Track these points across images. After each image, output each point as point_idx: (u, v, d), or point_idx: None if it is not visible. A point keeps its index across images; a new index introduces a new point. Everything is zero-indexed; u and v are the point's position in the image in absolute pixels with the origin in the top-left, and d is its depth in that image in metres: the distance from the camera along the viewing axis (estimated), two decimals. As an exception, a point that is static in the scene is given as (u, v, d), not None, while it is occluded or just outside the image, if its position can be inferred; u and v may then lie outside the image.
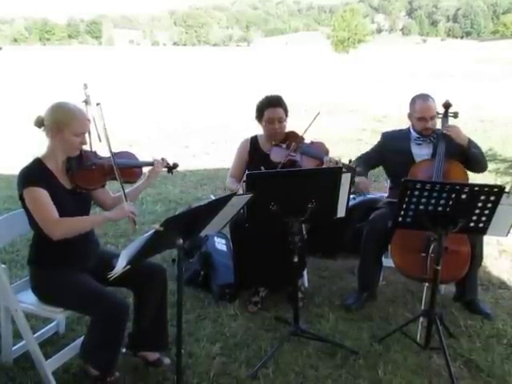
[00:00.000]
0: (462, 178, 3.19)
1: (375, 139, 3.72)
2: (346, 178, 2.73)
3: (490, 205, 2.47)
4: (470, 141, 3.26)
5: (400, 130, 3.60)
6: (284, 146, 3.38)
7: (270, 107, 3.39)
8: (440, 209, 2.51)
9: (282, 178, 2.71)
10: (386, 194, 3.69)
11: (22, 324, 2.48)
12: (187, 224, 2.17)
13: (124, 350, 2.66)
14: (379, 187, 5.20)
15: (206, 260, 3.64)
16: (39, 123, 2.45)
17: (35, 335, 2.65)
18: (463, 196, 2.45)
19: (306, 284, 3.62)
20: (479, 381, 2.66)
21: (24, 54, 56.28)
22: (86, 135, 2.57)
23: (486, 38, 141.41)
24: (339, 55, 60.98)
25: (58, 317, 2.60)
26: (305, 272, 3.61)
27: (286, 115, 3.45)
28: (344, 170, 2.78)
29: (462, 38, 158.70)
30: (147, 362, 2.71)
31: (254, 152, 3.51)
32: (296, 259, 2.74)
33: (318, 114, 3.16)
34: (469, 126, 9.41)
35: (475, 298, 3.32)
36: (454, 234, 2.62)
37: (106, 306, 2.37)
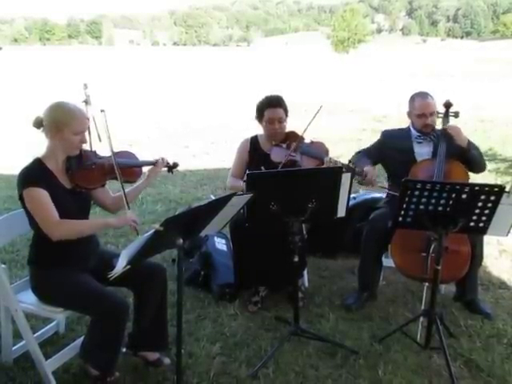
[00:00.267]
0: (462, 177, 3.19)
1: (375, 139, 3.72)
2: (346, 178, 2.72)
3: (490, 204, 2.47)
4: (469, 142, 3.26)
5: (400, 129, 3.60)
6: (284, 145, 3.38)
7: (270, 107, 3.39)
8: (440, 208, 2.51)
9: (282, 178, 2.71)
10: (386, 194, 3.69)
11: (22, 324, 2.48)
12: (187, 224, 2.16)
13: (124, 350, 2.65)
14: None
15: (206, 260, 3.64)
16: (38, 124, 2.45)
17: (35, 335, 2.65)
18: (463, 196, 2.45)
19: (306, 284, 3.62)
20: (479, 381, 2.65)
21: (24, 53, 56.29)
22: (86, 135, 2.57)
23: (486, 37, 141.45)
24: (339, 55, 60.97)
25: (58, 317, 2.60)
26: (305, 272, 3.60)
27: (286, 115, 3.45)
28: (344, 169, 2.78)
29: (462, 37, 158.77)
30: (147, 362, 2.71)
31: (254, 152, 3.51)
32: (296, 259, 2.74)
33: (321, 107, 3.14)
34: (469, 126, 9.40)
35: (475, 298, 3.32)
36: (454, 234, 2.62)
37: (106, 306, 2.37)
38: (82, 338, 2.60)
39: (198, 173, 6.92)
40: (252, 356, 2.82)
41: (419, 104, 3.35)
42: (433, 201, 2.50)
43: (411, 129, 3.47)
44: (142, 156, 2.89)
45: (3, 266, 2.50)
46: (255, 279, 3.39)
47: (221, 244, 3.87)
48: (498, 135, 9.61)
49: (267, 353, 2.82)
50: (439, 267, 2.60)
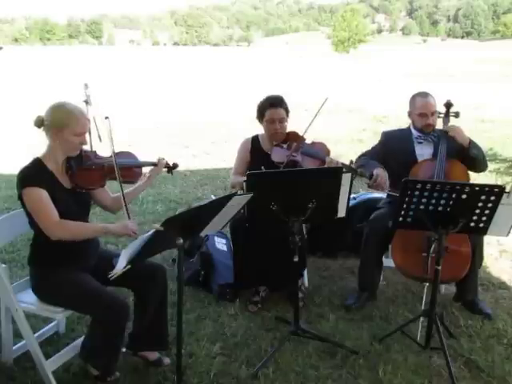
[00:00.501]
0: (463, 177, 3.19)
1: (375, 139, 3.72)
2: (346, 178, 2.72)
3: (490, 205, 2.47)
4: (470, 141, 3.26)
5: (400, 130, 3.60)
6: (285, 146, 3.38)
7: (271, 108, 3.39)
8: (440, 209, 2.51)
9: (282, 178, 2.71)
10: (386, 194, 3.68)
11: (22, 324, 2.48)
12: (187, 224, 2.16)
13: (124, 350, 2.66)
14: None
15: (207, 260, 3.64)
16: (39, 123, 2.45)
17: (35, 335, 2.65)
18: (464, 196, 2.45)
19: (307, 284, 3.62)
20: (479, 381, 2.65)
21: (25, 53, 56.29)
22: (87, 135, 2.57)
23: (486, 38, 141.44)
24: (339, 55, 60.97)
25: (58, 316, 2.60)
26: (305, 272, 3.61)
27: (287, 115, 3.44)
28: (344, 170, 2.78)
29: (462, 38, 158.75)
30: (147, 362, 2.71)
31: (255, 152, 3.51)
32: (296, 259, 2.74)
33: (326, 99, 3.13)
34: (469, 126, 9.37)
35: (475, 298, 3.32)
36: (454, 234, 2.62)
37: (106, 306, 2.38)
38: (82, 338, 2.61)
39: (198, 173, 6.92)
40: (252, 356, 2.82)
41: (420, 103, 3.34)
42: (433, 201, 2.50)
43: (412, 129, 3.47)
44: (142, 156, 2.89)
45: (3, 265, 2.50)
46: (255, 279, 3.39)
47: (221, 244, 3.87)
48: (498, 135, 9.61)
49: (267, 353, 2.82)
50: (439, 267, 2.60)
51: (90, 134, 5.23)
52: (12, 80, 21.20)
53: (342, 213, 2.82)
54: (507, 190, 2.44)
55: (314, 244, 3.83)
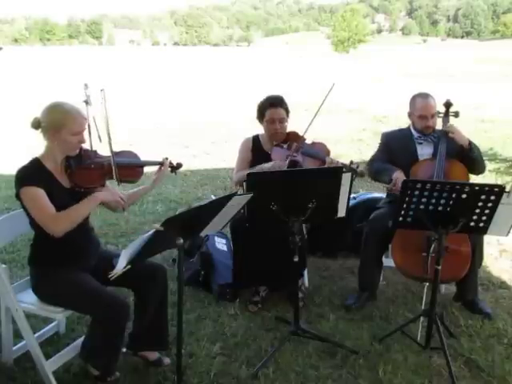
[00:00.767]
0: (463, 177, 3.19)
1: (375, 139, 3.73)
2: (346, 178, 2.73)
3: (490, 204, 2.47)
4: (470, 142, 3.26)
5: (400, 130, 3.59)
6: (285, 146, 3.38)
7: (271, 108, 3.39)
8: (440, 208, 2.52)
9: (282, 178, 2.71)
10: (386, 194, 3.68)
11: (22, 324, 2.49)
12: (187, 224, 2.17)
13: (124, 350, 2.66)
14: (379, 187, 5.19)
15: (207, 260, 3.64)
16: (36, 125, 2.44)
17: (36, 335, 2.65)
18: (464, 196, 2.45)
19: (307, 284, 3.62)
20: (480, 380, 2.66)
21: (24, 54, 56.28)
22: (87, 135, 2.57)
23: (486, 37, 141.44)
24: (339, 55, 60.96)
25: (59, 317, 2.60)
26: (305, 272, 3.61)
27: (287, 115, 3.44)
28: (344, 170, 2.79)
29: (462, 37, 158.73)
30: (147, 362, 2.71)
31: (256, 151, 3.51)
32: (296, 259, 2.74)
33: (333, 85, 3.11)
34: (469, 126, 9.40)
35: (475, 298, 3.32)
36: (454, 234, 2.62)
37: (106, 306, 2.38)
38: (82, 338, 2.60)
39: (199, 173, 6.92)
40: (252, 356, 2.82)
41: (420, 105, 3.34)
42: (433, 201, 2.50)
43: (412, 129, 3.47)
44: (143, 156, 2.87)
45: (4, 265, 2.50)
46: (255, 279, 3.39)
47: (221, 244, 3.88)
48: (498, 135, 9.60)
49: (267, 353, 2.82)
50: (439, 267, 2.60)
51: (89, 134, 5.22)
52: (12, 80, 21.19)
53: (341, 213, 2.83)
54: (507, 190, 2.44)
55: (313, 244, 3.83)
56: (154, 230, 1.99)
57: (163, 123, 11.05)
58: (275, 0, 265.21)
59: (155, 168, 2.84)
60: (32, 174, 2.40)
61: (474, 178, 3.39)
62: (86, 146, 2.60)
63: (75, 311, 2.62)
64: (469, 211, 2.51)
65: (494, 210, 2.48)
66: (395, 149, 3.44)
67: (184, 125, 10.86)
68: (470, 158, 3.24)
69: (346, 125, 10.91)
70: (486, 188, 2.44)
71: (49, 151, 2.48)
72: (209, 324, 3.14)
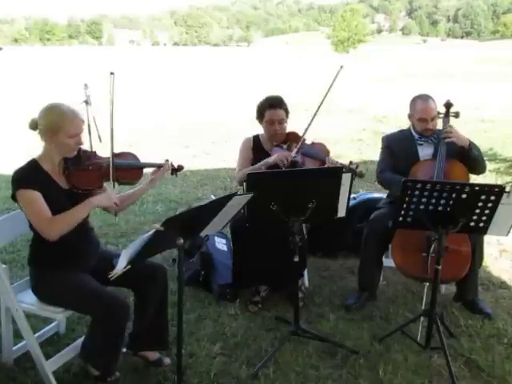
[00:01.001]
0: (463, 177, 3.19)
1: (375, 139, 3.74)
2: (346, 178, 2.73)
3: (490, 204, 2.47)
4: (470, 142, 3.26)
5: (401, 131, 3.59)
6: (285, 146, 3.38)
7: (271, 108, 3.39)
8: (440, 208, 2.52)
9: (282, 178, 2.71)
10: (386, 194, 3.68)
11: (22, 324, 2.49)
12: (188, 224, 2.17)
13: (124, 350, 2.66)
14: (379, 187, 5.19)
15: (207, 260, 3.64)
16: (33, 126, 2.44)
17: (36, 335, 2.65)
18: (464, 196, 2.45)
19: (307, 284, 3.62)
20: (480, 380, 2.66)
21: (24, 54, 56.27)
22: (87, 135, 2.56)
23: (486, 38, 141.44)
24: (339, 55, 60.95)
25: (59, 317, 2.60)
26: (305, 272, 3.61)
27: (287, 116, 3.44)
28: (344, 170, 2.79)
29: (462, 38, 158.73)
30: (148, 362, 2.71)
31: (256, 150, 3.51)
32: (296, 259, 2.74)
33: (342, 67, 3.08)
34: (469, 126, 9.41)
35: (475, 298, 3.32)
36: (454, 234, 2.62)
37: (106, 306, 2.37)
38: (82, 338, 2.61)
39: (199, 173, 6.92)
40: (252, 356, 2.82)
41: (420, 108, 3.33)
42: (433, 201, 2.50)
43: (412, 131, 3.46)
44: (142, 156, 2.87)
45: (4, 266, 2.50)
46: (255, 279, 3.39)
47: (221, 244, 3.88)
48: (498, 135, 9.60)
49: (267, 353, 2.82)
50: (439, 267, 2.60)
51: (89, 134, 5.25)
52: (12, 81, 21.19)
53: (341, 213, 2.83)
54: (507, 190, 2.44)
55: (314, 244, 3.83)
56: (154, 229, 1.99)
57: (163, 123, 11.05)
58: (275, 0, 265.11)
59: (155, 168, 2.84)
60: (28, 175, 2.39)
61: (475, 178, 3.39)
62: (86, 146, 2.60)
63: (75, 311, 2.62)
64: (469, 211, 2.51)
65: (494, 210, 2.48)
66: (396, 151, 3.44)
67: (184, 125, 10.86)
68: (471, 158, 3.24)
69: (346, 125, 10.90)
70: (486, 188, 2.44)
71: (46, 152, 2.48)
72: (209, 324, 3.14)
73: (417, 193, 2.50)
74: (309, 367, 2.74)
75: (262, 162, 3.31)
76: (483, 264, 3.51)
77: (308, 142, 3.47)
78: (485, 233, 2.62)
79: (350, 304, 3.34)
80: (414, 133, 3.44)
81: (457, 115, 3.39)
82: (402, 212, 2.58)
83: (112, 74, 2.52)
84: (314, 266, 3.93)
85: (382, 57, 51.43)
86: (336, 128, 10.19)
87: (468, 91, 16.88)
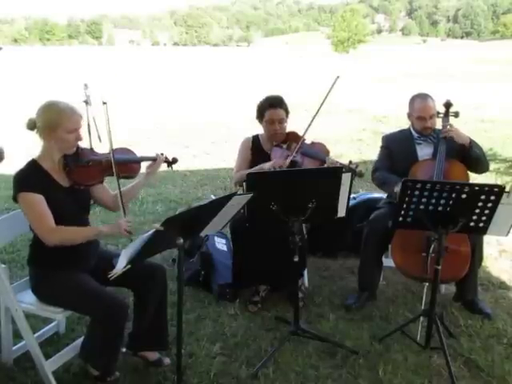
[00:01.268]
0: (462, 177, 3.19)
1: (375, 139, 3.74)
2: (346, 178, 2.73)
3: (490, 204, 2.47)
4: (471, 140, 3.26)
5: (401, 131, 3.60)
6: (284, 146, 3.38)
7: (271, 108, 3.39)
8: (440, 208, 2.52)
9: (282, 178, 2.71)
10: (386, 195, 3.68)
11: (22, 324, 2.49)
12: (187, 224, 2.17)
13: (124, 350, 2.66)
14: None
15: (206, 260, 3.64)
16: (31, 125, 2.44)
17: (35, 335, 2.65)
18: (463, 196, 2.45)
19: (307, 284, 3.62)
20: (479, 380, 2.66)
21: (24, 54, 56.26)
22: (87, 135, 2.57)
23: (486, 38, 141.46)
24: (339, 55, 60.96)
25: (58, 317, 2.60)
26: (305, 272, 3.61)
27: (287, 116, 3.44)
28: (344, 170, 2.79)
29: (462, 38, 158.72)
30: (147, 362, 2.71)
31: (255, 151, 3.51)
32: (296, 259, 2.74)
33: (338, 78, 3.09)
34: (469, 126, 9.41)
35: (475, 298, 3.32)
36: (454, 234, 2.62)
37: (105, 306, 2.38)
38: (82, 338, 2.60)
39: (199, 173, 6.92)
40: (252, 356, 2.82)
41: (419, 106, 3.34)
42: (433, 201, 2.50)
43: (412, 130, 3.47)
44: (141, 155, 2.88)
45: (3, 266, 2.50)
46: (255, 279, 3.39)
47: (221, 244, 3.88)
48: (498, 135, 9.60)
49: (267, 353, 2.82)
50: (439, 267, 2.60)
51: (89, 134, 5.25)
52: (11, 81, 21.18)
53: (341, 213, 2.83)
54: (507, 190, 2.45)
55: (314, 244, 3.83)
56: (154, 229, 1.99)
57: (163, 123, 11.05)
58: (275, 0, 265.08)
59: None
60: (29, 178, 2.40)
61: (475, 178, 3.39)
62: (86, 146, 2.60)
63: (75, 311, 2.62)
64: (468, 211, 2.51)
65: (493, 210, 2.48)
66: (395, 151, 3.45)
67: (184, 125, 10.86)
68: (472, 157, 3.24)
69: (346, 125, 10.91)
70: (486, 188, 2.44)
71: (45, 151, 2.48)
72: (209, 324, 3.14)
73: (417, 193, 2.50)
74: (308, 367, 2.74)
75: (257, 167, 3.32)
76: (483, 264, 3.52)
77: (308, 141, 3.47)
78: (484, 233, 2.62)
79: (350, 304, 3.34)
80: (413, 132, 3.45)
81: (456, 115, 3.40)
82: (402, 212, 2.58)
83: (105, 103, 2.56)
84: (314, 265, 3.93)
85: (381, 57, 51.44)
86: (336, 128, 10.20)
87: (468, 91, 16.89)
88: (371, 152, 7.54)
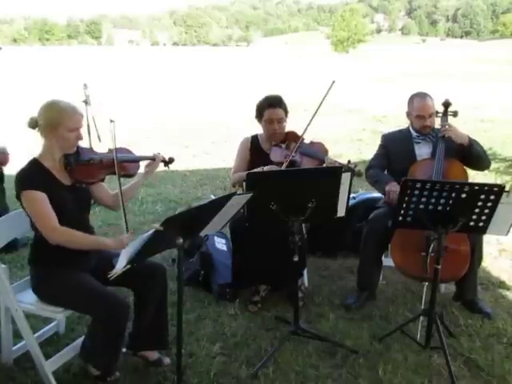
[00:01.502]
0: (461, 177, 3.20)
1: (375, 139, 3.74)
2: (345, 178, 2.73)
3: (489, 204, 2.47)
4: (470, 139, 3.26)
5: (400, 130, 3.60)
6: (283, 146, 3.38)
7: (270, 108, 3.39)
8: (440, 208, 2.52)
9: (281, 178, 2.71)
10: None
11: (22, 324, 2.49)
12: (187, 224, 2.17)
13: (124, 350, 2.66)
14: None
15: (206, 259, 3.64)
16: (33, 124, 2.46)
17: (35, 335, 2.65)
18: (463, 195, 2.46)
19: (306, 283, 3.62)
20: (479, 380, 2.66)
21: (24, 54, 56.24)
22: (87, 135, 2.58)
23: (485, 37, 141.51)
24: (339, 55, 60.96)
25: (58, 317, 2.60)
26: (305, 271, 3.61)
27: (286, 116, 3.45)
28: (343, 169, 2.79)
29: (461, 37, 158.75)
30: (147, 362, 2.71)
31: (254, 151, 3.51)
32: (296, 259, 2.74)
33: (334, 82, 3.10)
34: (468, 126, 9.41)
35: (475, 298, 3.32)
36: (453, 233, 2.62)
37: (107, 306, 2.38)
38: (82, 338, 2.60)
39: (198, 173, 6.92)
40: (252, 356, 2.82)
41: (418, 105, 3.35)
42: (432, 200, 2.50)
43: (411, 129, 3.47)
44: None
45: (3, 266, 2.50)
46: (255, 279, 3.39)
47: (221, 244, 3.88)
48: (497, 135, 9.61)
49: (267, 352, 2.82)
50: (439, 267, 2.60)
51: (89, 134, 5.25)
52: (11, 80, 21.18)
53: (341, 212, 2.83)
54: (507, 189, 2.45)
55: (313, 244, 3.83)
56: (154, 229, 1.99)
57: (163, 123, 11.05)
58: (274, 0, 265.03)
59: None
60: (31, 176, 2.41)
61: (474, 178, 3.39)
62: (86, 145, 2.61)
63: (75, 311, 2.62)
64: (468, 211, 2.51)
65: (493, 209, 2.48)
66: (393, 150, 3.46)
67: (184, 125, 10.86)
68: (473, 155, 3.24)
69: (346, 125, 10.91)
70: (486, 187, 2.44)
71: (47, 150, 2.49)
72: (209, 324, 3.14)
73: (416, 192, 2.50)
74: (308, 367, 2.74)
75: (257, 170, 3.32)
76: (482, 263, 3.52)
77: (307, 141, 3.47)
78: (484, 232, 2.62)
79: (350, 303, 3.34)
80: (412, 131, 3.45)
81: (455, 114, 3.40)
82: (402, 211, 2.58)
83: (112, 122, 2.59)
84: (314, 265, 3.93)
85: (381, 57, 51.46)
86: (336, 128, 10.20)
87: (467, 91, 16.90)
88: (371, 152, 7.47)
